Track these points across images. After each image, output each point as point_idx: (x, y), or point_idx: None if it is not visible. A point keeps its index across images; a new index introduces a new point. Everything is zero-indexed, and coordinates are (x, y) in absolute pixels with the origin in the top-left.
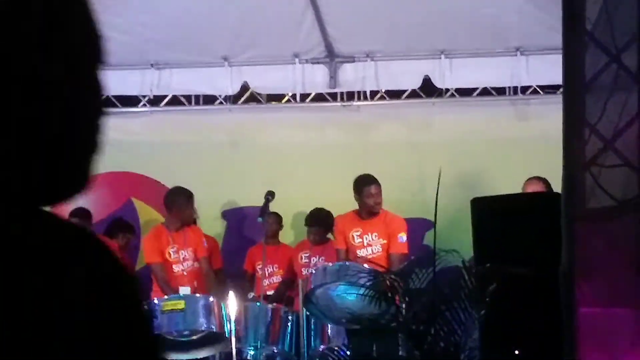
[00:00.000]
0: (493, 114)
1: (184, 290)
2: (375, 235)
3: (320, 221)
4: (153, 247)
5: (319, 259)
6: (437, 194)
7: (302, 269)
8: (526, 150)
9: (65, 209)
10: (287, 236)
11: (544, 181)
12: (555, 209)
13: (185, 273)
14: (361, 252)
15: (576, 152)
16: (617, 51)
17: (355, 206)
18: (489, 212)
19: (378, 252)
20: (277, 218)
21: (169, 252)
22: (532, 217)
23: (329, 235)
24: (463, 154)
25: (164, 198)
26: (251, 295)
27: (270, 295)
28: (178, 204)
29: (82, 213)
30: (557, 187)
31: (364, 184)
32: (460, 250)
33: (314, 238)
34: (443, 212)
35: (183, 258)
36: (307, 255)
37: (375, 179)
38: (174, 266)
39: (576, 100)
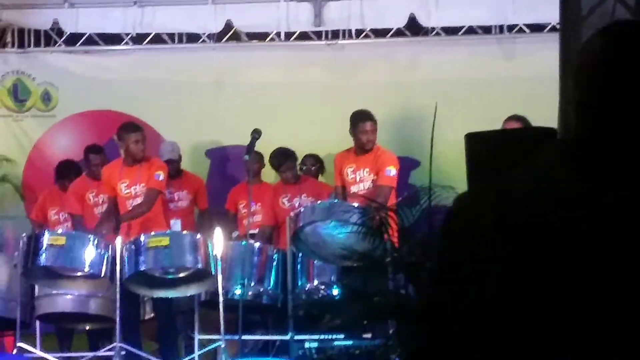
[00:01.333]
0: (479, 53)
1: (176, 224)
2: (367, 171)
3: (286, 157)
4: (103, 179)
5: (300, 197)
6: (432, 130)
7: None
8: (513, 89)
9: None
10: (268, 175)
11: (523, 120)
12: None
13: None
14: (354, 188)
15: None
16: None
17: (339, 145)
18: (484, 147)
19: (370, 187)
20: (260, 157)
21: (120, 187)
22: (528, 152)
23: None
24: (449, 93)
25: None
26: (235, 234)
27: (254, 234)
28: (122, 137)
29: (98, 151)
30: (542, 124)
31: (360, 120)
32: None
33: (288, 176)
34: (427, 151)
35: (135, 194)
36: (287, 198)
37: (372, 116)
38: (126, 202)
39: (573, 35)
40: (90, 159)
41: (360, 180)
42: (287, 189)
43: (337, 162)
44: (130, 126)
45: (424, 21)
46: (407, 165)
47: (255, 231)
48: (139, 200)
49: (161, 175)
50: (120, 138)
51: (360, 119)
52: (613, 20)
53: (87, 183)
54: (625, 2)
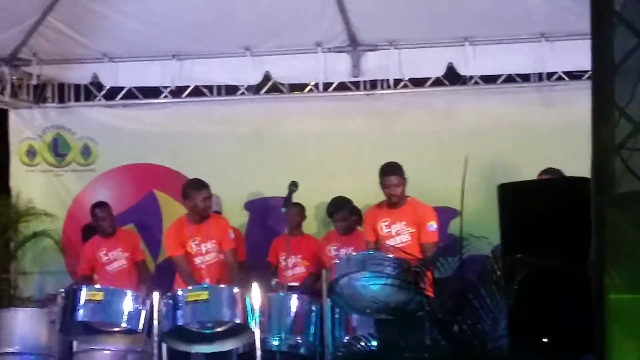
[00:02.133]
0: (518, 101)
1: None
2: (404, 224)
3: (341, 205)
4: (175, 239)
5: (347, 250)
6: (463, 181)
7: (332, 261)
8: (552, 137)
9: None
10: (310, 227)
11: (556, 172)
12: (585, 194)
13: (204, 266)
14: (390, 242)
15: (605, 136)
16: None
17: (378, 196)
18: (516, 197)
19: (407, 241)
20: (300, 209)
21: (191, 245)
22: (560, 203)
23: (359, 228)
24: (487, 142)
25: (181, 190)
26: (275, 281)
27: (294, 286)
28: (189, 195)
29: (102, 205)
30: (580, 174)
31: (384, 174)
32: (490, 239)
33: (341, 225)
34: (468, 200)
35: (206, 251)
36: (335, 247)
37: (396, 169)
38: (195, 259)
39: (605, 82)
40: (96, 214)
41: (397, 234)
42: (338, 239)
43: (368, 217)
44: (198, 183)
45: (462, 70)
46: (446, 215)
47: (296, 284)
48: (209, 257)
49: (232, 233)
50: (186, 195)
51: (385, 173)
52: None
53: (98, 242)
54: None
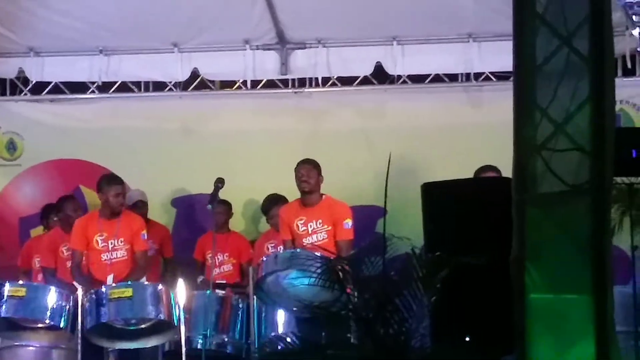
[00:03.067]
0: (445, 101)
1: (109, 279)
2: (320, 222)
3: (275, 202)
4: (79, 233)
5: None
6: (386, 180)
7: None
8: (478, 137)
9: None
10: (238, 225)
11: (496, 170)
12: (507, 194)
13: (109, 263)
14: (307, 240)
15: (527, 136)
16: (569, 34)
17: None
18: (439, 197)
19: (324, 239)
20: (227, 206)
21: (97, 240)
22: (482, 202)
23: None
24: (415, 141)
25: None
26: (201, 278)
27: (221, 284)
28: (102, 189)
29: (71, 198)
30: (509, 173)
31: (296, 166)
32: (413, 237)
33: (275, 222)
34: (395, 199)
35: (112, 247)
36: (272, 245)
37: (308, 161)
38: (101, 255)
39: (527, 83)
40: (65, 208)
41: (314, 232)
42: (275, 236)
43: (282, 216)
44: (111, 178)
45: (391, 69)
46: (373, 213)
47: (223, 281)
48: (115, 254)
49: (146, 234)
50: (99, 189)
51: (299, 164)
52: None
53: (61, 236)
54: (578, 51)
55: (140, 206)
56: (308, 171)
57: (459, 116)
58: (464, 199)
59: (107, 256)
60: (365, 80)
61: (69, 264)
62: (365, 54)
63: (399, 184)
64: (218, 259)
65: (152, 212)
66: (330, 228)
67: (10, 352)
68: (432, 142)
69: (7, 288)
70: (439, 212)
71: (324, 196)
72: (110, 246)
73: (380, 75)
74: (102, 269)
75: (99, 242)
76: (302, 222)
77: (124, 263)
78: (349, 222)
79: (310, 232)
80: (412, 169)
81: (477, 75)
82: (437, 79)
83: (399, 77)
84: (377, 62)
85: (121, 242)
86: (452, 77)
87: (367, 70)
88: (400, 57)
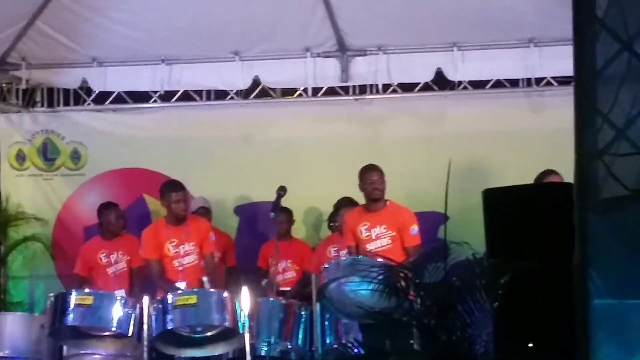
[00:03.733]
0: (506, 106)
1: (180, 285)
2: (384, 228)
3: (344, 204)
4: (150, 242)
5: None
6: (447, 186)
7: None
8: (540, 142)
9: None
10: (299, 232)
11: (557, 174)
12: (568, 199)
13: (181, 269)
14: (370, 246)
15: (588, 141)
16: (629, 39)
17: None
18: (501, 203)
19: (388, 244)
20: (289, 214)
21: (168, 247)
22: (544, 208)
23: None
24: (476, 147)
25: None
26: (265, 281)
27: (284, 291)
28: (164, 196)
29: (109, 205)
30: (570, 178)
31: (364, 172)
32: (475, 243)
33: (338, 227)
34: (456, 205)
35: (184, 253)
36: (335, 249)
37: (376, 167)
38: (173, 262)
39: (587, 88)
40: (104, 215)
41: (377, 237)
42: (339, 240)
43: (347, 221)
44: (172, 184)
45: (451, 75)
46: (434, 220)
47: (287, 288)
48: (187, 260)
49: (214, 236)
50: (162, 196)
51: (365, 171)
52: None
53: (99, 244)
54: (639, 55)
55: (203, 213)
56: (379, 177)
57: (520, 121)
58: (525, 204)
59: (178, 262)
60: (426, 87)
61: (109, 270)
62: (425, 60)
63: (460, 189)
64: (281, 265)
65: (215, 221)
66: (394, 233)
67: None
68: (493, 147)
69: (74, 296)
70: (501, 217)
71: (388, 202)
72: (182, 252)
73: (440, 81)
74: (174, 275)
75: (171, 249)
76: (365, 227)
77: (195, 268)
78: (415, 228)
79: (374, 237)
80: (473, 174)
81: (538, 80)
82: (498, 84)
83: (460, 82)
84: (437, 68)
85: (192, 245)
86: (513, 83)
87: (427, 76)
88: (460, 63)
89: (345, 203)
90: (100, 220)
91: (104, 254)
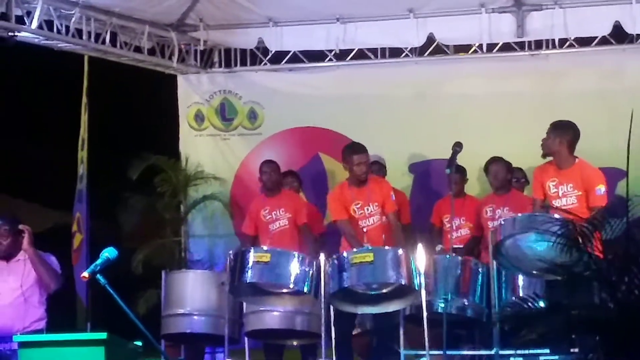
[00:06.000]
0: None
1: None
2: (571, 187)
3: (493, 162)
4: (338, 204)
5: (503, 210)
6: (629, 140)
7: (488, 223)
8: None
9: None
10: (473, 189)
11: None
12: None
13: (367, 229)
14: (556, 203)
15: None
16: None
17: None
18: None
19: (573, 203)
20: (462, 172)
21: (354, 209)
22: None
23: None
24: None
25: (341, 153)
26: (439, 247)
27: (459, 248)
28: (346, 159)
29: (269, 162)
30: None
31: (552, 127)
32: None
33: (494, 183)
34: (637, 160)
35: (369, 213)
36: (491, 208)
37: (553, 127)
38: (359, 222)
39: None
40: (262, 170)
41: (564, 195)
42: (494, 200)
43: (536, 175)
44: (354, 147)
45: (630, 28)
46: (613, 175)
47: (460, 246)
48: (371, 220)
49: (394, 195)
50: (344, 159)
51: (554, 126)
52: None
53: (262, 201)
54: None
55: (377, 169)
56: (551, 139)
57: None
58: None
59: (364, 223)
60: (604, 41)
61: (270, 227)
62: (603, 14)
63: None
64: (455, 223)
65: (390, 178)
66: (580, 193)
67: (256, 317)
68: None
69: (252, 254)
70: None
71: (577, 159)
72: (367, 213)
73: (619, 35)
74: (360, 235)
75: (356, 210)
76: (554, 183)
77: (378, 228)
78: (601, 188)
79: (560, 195)
80: None
81: None
82: None
83: (639, 36)
84: (615, 22)
85: (376, 206)
86: None
87: (605, 30)
88: (639, 16)
89: (493, 161)
90: (260, 177)
91: (267, 211)
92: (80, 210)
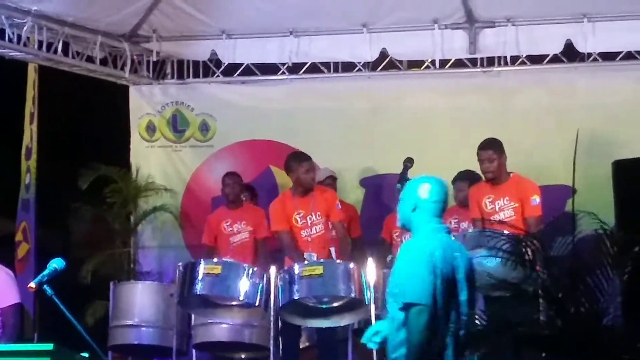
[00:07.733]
0: (638, 79)
1: (312, 256)
2: (507, 199)
3: (463, 177)
4: (278, 214)
5: (468, 224)
6: (574, 158)
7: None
8: None
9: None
10: None
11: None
12: None
13: (310, 239)
14: (494, 218)
15: None
16: None
17: None
18: (631, 174)
19: (511, 216)
20: (472, 178)
21: (295, 218)
22: None
23: None
24: (606, 119)
25: (284, 163)
26: (390, 257)
27: None
28: (291, 168)
29: (232, 174)
30: None
31: (479, 148)
32: (604, 215)
33: (461, 196)
34: (584, 178)
35: (311, 223)
36: (455, 220)
37: (492, 144)
38: (301, 232)
39: None
40: (225, 182)
41: (501, 210)
42: (458, 211)
43: (472, 194)
44: (299, 155)
45: (581, 47)
46: (563, 193)
47: None
48: (314, 230)
49: (340, 204)
50: (289, 168)
51: (480, 147)
52: None
53: (224, 213)
54: None
55: (330, 183)
56: (490, 156)
57: None
58: None
59: (306, 232)
60: (555, 59)
61: (231, 240)
62: (555, 32)
63: (589, 162)
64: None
65: (341, 192)
66: (517, 205)
67: (205, 329)
68: (623, 120)
69: (203, 266)
70: (631, 189)
71: (511, 174)
72: (309, 222)
73: (570, 53)
74: (303, 246)
75: (298, 220)
76: (490, 200)
77: (322, 238)
78: (536, 199)
79: (497, 209)
80: (603, 147)
81: None
82: (629, 56)
83: (590, 54)
84: (567, 40)
85: (318, 215)
86: None
87: (557, 48)
88: (590, 35)
89: (465, 177)
90: (223, 189)
91: (228, 223)
92: (26, 219)
